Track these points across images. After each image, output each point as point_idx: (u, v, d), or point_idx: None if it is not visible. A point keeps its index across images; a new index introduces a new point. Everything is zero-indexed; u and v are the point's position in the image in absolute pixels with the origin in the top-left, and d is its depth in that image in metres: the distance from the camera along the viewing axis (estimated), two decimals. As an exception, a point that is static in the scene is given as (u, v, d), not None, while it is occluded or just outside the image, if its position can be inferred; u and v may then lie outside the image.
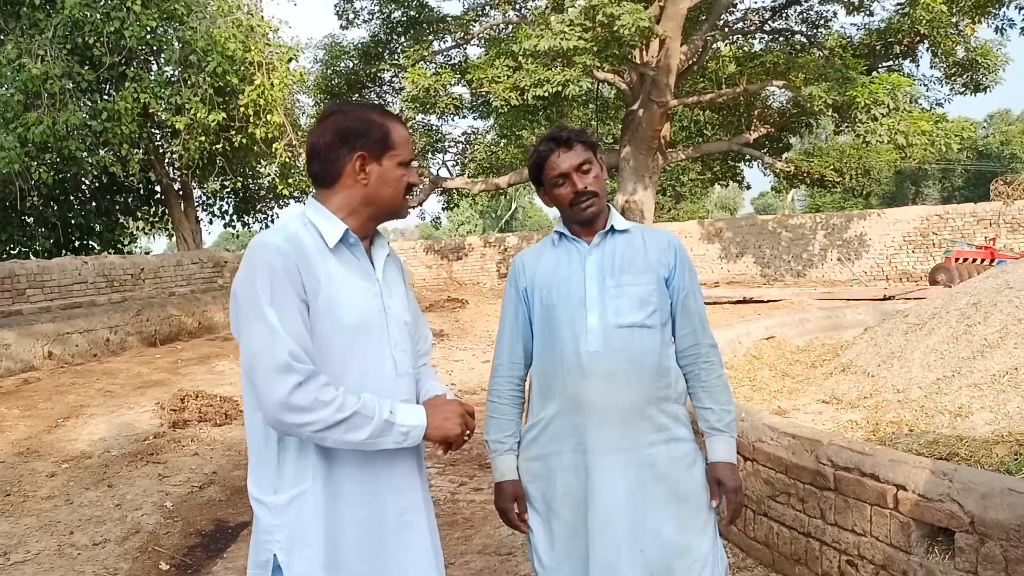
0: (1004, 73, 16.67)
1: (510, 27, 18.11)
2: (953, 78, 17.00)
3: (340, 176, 1.71)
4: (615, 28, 12.78)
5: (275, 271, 1.57)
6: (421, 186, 18.53)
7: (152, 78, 14.17)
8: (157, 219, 19.61)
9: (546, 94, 14.07)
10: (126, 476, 5.38)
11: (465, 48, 19.89)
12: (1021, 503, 2.31)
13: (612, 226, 2.04)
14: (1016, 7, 15.59)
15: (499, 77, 14.59)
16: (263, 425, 1.62)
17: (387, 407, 1.63)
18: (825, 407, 4.48)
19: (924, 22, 14.95)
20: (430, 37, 18.64)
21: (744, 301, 14.75)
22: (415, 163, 1.91)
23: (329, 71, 19.19)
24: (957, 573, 2.48)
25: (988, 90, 16.92)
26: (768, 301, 14.64)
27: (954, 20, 15.59)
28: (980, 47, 16.28)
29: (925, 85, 17.47)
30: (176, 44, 13.83)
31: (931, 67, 17.13)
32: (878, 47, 17.44)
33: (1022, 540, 2.29)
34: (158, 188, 18.41)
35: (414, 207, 19.87)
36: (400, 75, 17.97)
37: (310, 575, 1.60)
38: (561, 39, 13.16)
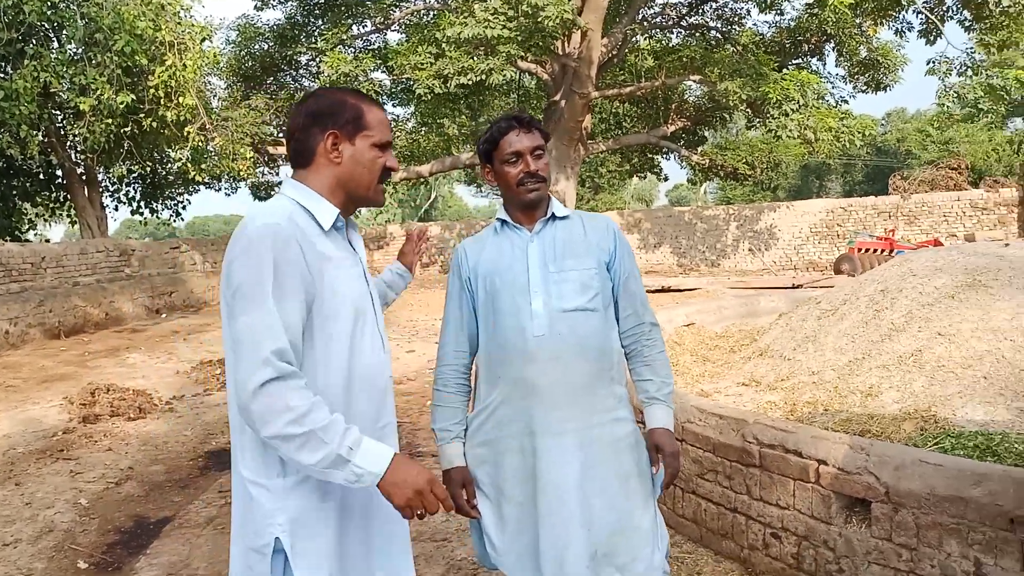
0: (902, 73, 17.65)
1: (431, 13, 17.93)
2: (856, 76, 17.86)
3: (314, 155, 1.69)
4: (539, 19, 12.85)
5: (279, 257, 1.50)
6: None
7: (54, 56, 13.36)
8: (58, 205, 18.57)
9: (469, 82, 14.02)
10: (35, 474, 5.13)
11: (385, 34, 19.61)
12: (931, 473, 2.48)
13: (553, 213, 2.08)
14: (914, 11, 16.55)
15: (422, 64, 14.45)
16: None
17: (352, 438, 1.50)
18: (745, 389, 4.66)
19: (831, 22, 15.64)
20: (349, 21, 18.25)
21: (663, 290, 15.14)
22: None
23: (243, 53, 18.47)
24: (873, 540, 2.64)
25: (888, 89, 17.85)
26: (685, 290, 15.08)
27: (858, 21, 16.37)
28: (881, 47, 17.15)
29: (831, 83, 18.28)
30: (80, 21, 13.08)
31: (836, 65, 17.96)
32: (788, 45, 18.15)
33: (932, 507, 2.46)
34: (60, 172, 17.41)
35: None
36: (318, 59, 17.52)
37: (316, 557, 1.58)
38: (485, 27, 13.14)
